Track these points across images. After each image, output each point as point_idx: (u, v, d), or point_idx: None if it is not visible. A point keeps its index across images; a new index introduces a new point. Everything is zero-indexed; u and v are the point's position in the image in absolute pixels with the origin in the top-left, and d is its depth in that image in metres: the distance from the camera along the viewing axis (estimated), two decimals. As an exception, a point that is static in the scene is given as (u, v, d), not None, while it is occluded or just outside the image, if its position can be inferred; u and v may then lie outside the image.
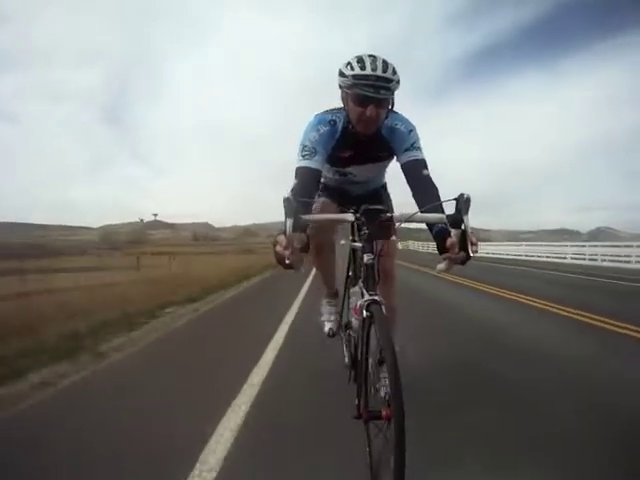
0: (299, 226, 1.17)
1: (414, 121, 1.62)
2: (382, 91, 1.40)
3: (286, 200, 1.13)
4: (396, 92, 1.47)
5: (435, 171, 1.53)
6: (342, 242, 2.22)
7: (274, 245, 1.16)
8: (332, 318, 2.16)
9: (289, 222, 1.13)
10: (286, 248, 1.12)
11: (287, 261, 1.13)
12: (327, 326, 2.16)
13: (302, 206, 1.23)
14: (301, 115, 1.51)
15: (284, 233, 1.14)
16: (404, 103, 1.56)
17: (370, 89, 1.39)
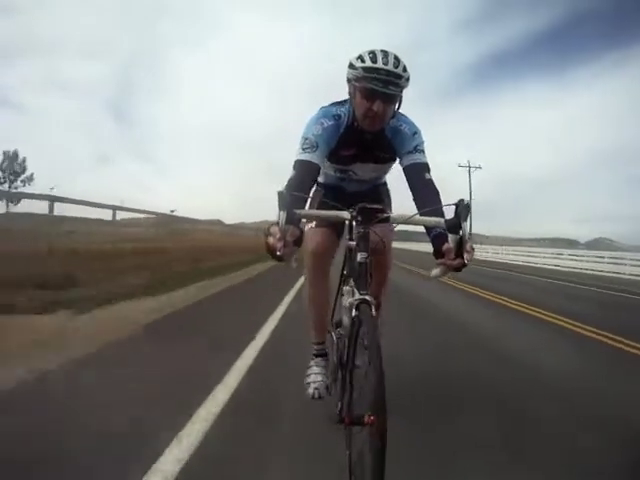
0: (292, 220, 1.15)
1: (420, 124, 1.57)
2: (391, 87, 1.35)
3: (279, 193, 1.12)
4: (404, 95, 1.43)
5: (439, 174, 1.51)
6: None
7: (266, 235, 1.12)
8: (319, 378, 1.77)
9: (282, 215, 1.12)
10: (279, 240, 1.09)
11: (278, 253, 1.10)
12: (312, 387, 1.75)
13: (296, 200, 1.22)
14: (307, 115, 1.58)
15: (277, 224, 1.11)
16: (410, 106, 1.53)
17: (379, 83, 1.34)
